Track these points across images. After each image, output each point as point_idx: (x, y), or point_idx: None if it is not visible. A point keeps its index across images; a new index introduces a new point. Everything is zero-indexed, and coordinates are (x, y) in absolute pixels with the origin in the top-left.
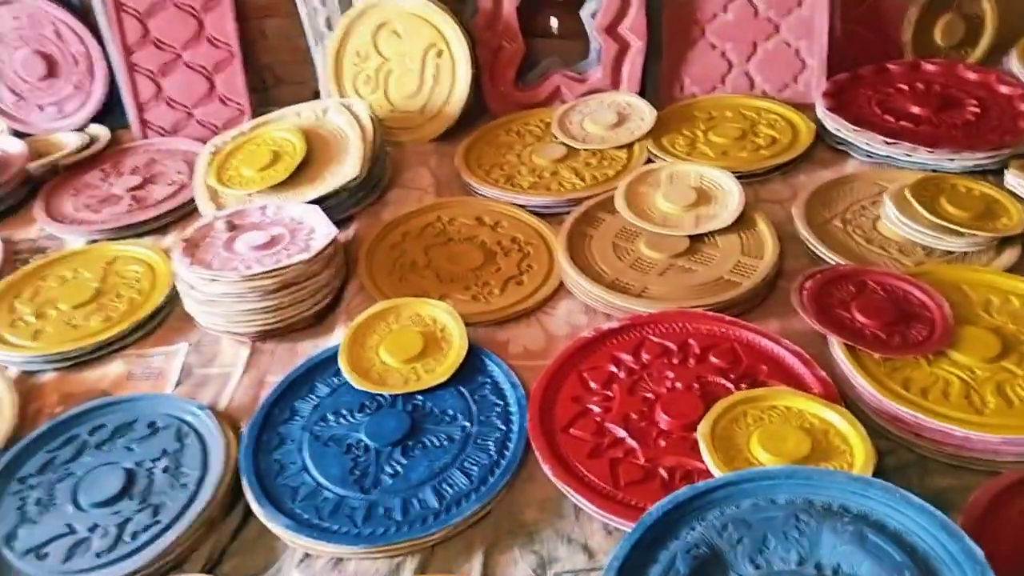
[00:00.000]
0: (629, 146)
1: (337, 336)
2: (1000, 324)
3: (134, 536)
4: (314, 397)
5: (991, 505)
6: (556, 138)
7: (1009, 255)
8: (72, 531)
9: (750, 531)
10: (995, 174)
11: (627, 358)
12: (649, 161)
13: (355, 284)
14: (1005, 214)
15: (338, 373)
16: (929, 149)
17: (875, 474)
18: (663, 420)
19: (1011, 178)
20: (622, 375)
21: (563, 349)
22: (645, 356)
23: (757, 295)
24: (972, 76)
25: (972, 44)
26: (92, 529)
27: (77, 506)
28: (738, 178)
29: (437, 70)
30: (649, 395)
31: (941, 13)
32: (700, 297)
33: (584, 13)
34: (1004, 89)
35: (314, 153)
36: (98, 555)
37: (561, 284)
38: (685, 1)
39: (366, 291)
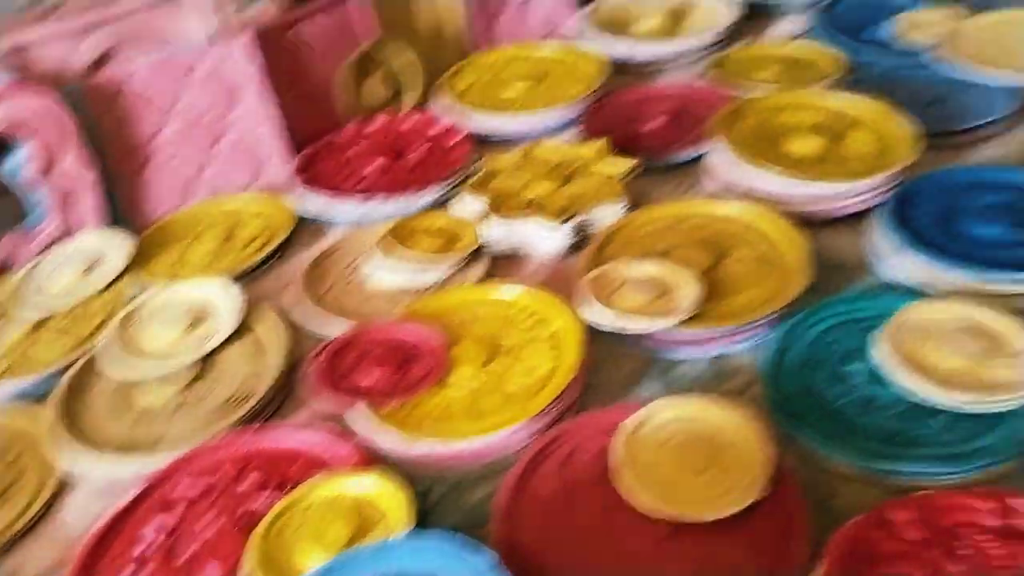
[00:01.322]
0: (109, 288)
1: None
2: (482, 334)
3: None
4: None
5: (513, 496)
6: (17, 311)
7: (476, 269)
8: None
9: None
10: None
11: (152, 529)
12: (135, 297)
13: None
14: (463, 236)
15: None
16: (389, 197)
17: (422, 518)
18: (213, 574)
19: (456, 205)
20: (152, 550)
21: (76, 556)
22: (171, 518)
23: (278, 396)
24: (409, 123)
25: (402, 93)
26: None
27: None
28: (233, 282)
29: None
30: (190, 554)
31: (369, 74)
32: (219, 422)
33: (5, 170)
34: (436, 127)
35: None
36: None
37: (65, 477)
38: (121, 123)
39: None
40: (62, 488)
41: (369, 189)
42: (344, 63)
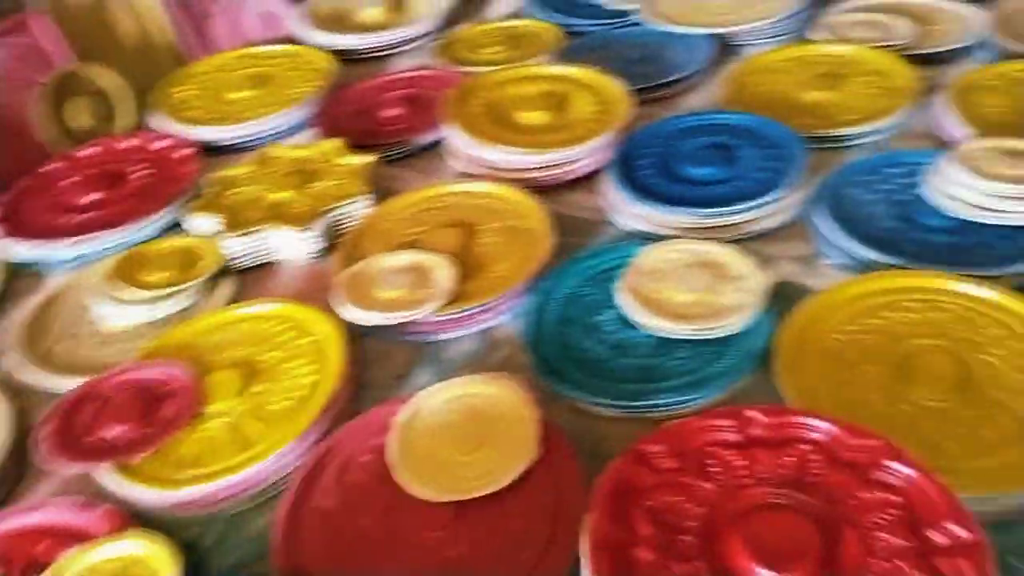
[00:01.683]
0: None
1: None
2: (236, 357)
3: None
4: None
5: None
6: None
7: (224, 289)
8: None
9: None
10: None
11: None
12: None
13: None
14: (204, 256)
15: None
16: (110, 229)
17: (197, 565)
18: None
19: (191, 223)
20: None
21: None
22: None
23: (14, 468)
24: (127, 144)
25: (112, 116)
26: None
27: None
28: None
29: None
30: None
31: (67, 98)
32: None
33: None
34: (158, 145)
35: None
36: None
37: None
38: None
39: None
40: None
41: (88, 223)
42: (37, 90)
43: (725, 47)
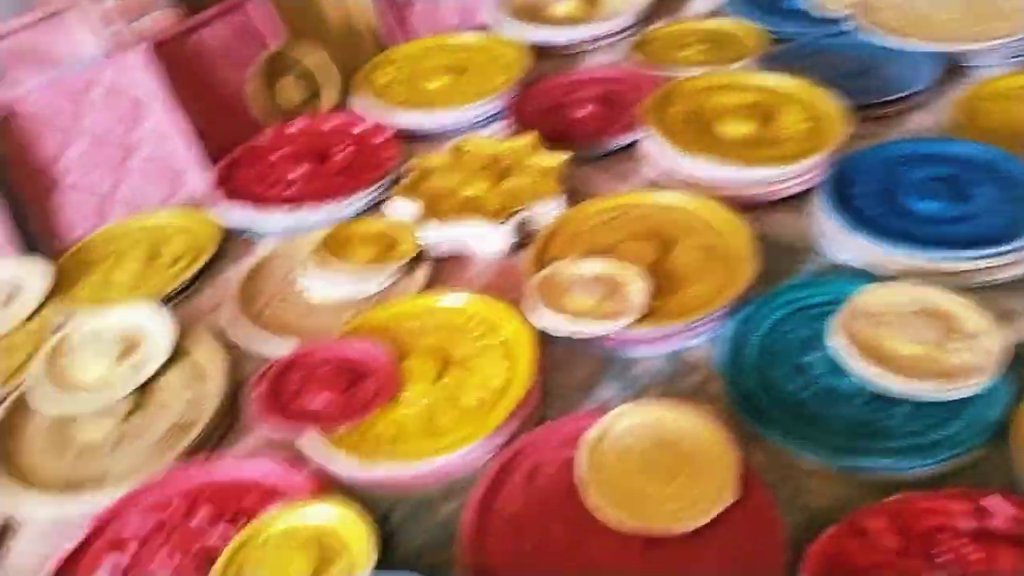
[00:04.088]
0: (32, 317)
1: None
2: (431, 345)
3: None
4: None
5: (478, 516)
6: None
7: (420, 275)
8: None
9: None
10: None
11: (107, 567)
12: (60, 326)
13: None
14: (401, 240)
15: None
16: (319, 204)
17: (385, 542)
18: None
19: (392, 206)
20: None
21: None
22: (124, 557)
23: (223, 420)
24: (331, 125)
25: (318, 95)
26: None
27: None
28: (163, 303)
29: None
30: None
31: (281, 77)
32: (166, 452)
33: None
34: (360, 128)
35: None
36: None
37: (8, 521)
38: (20, 148)
39: None
40: (4, 531)
41: (296, 196)
42: (252, 67)
43: (952, 67)
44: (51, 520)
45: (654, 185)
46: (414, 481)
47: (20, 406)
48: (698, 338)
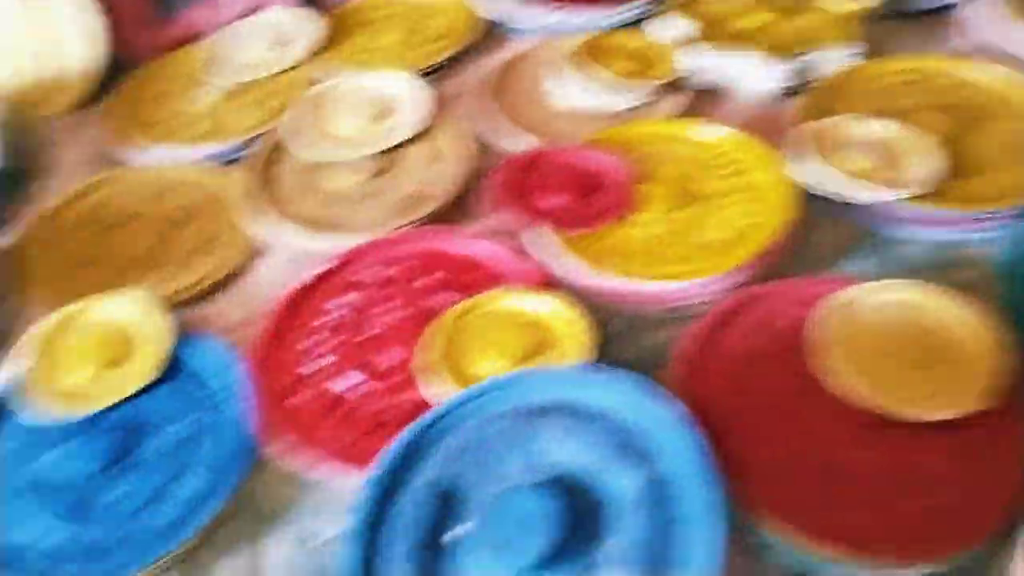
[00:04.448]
0: (297, 67)
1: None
2: (673, 175)
3: None
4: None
5: (699, 348)
6: (212, 77)
7: (672, 101)
8: None
9: (478, 453)
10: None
11: (340, 302)
12: (322, 79)
13: (24, 298)
14: (660, 61)
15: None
16: (589, 7)
17: (599, 346)
18: (390, 357)
19: (656, 25)
20: (338, 322)
21: (270, 313)
22: (358, 295)
23: (459, 200)
24: None
25: None
26: None
27: None
28: (419, 77)
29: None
30: (371, 335)
31: None
32: (403, 216)
33: None
34: None
35: None
36: None
37: (257, 240)
38: None
39: (39, 303)
40: (253, 252)
41: None
42: None
43: None
44: (295, 250)
45: (962, 56)
46: (634, 299)
47: (279, 145)
48: (983, 232)
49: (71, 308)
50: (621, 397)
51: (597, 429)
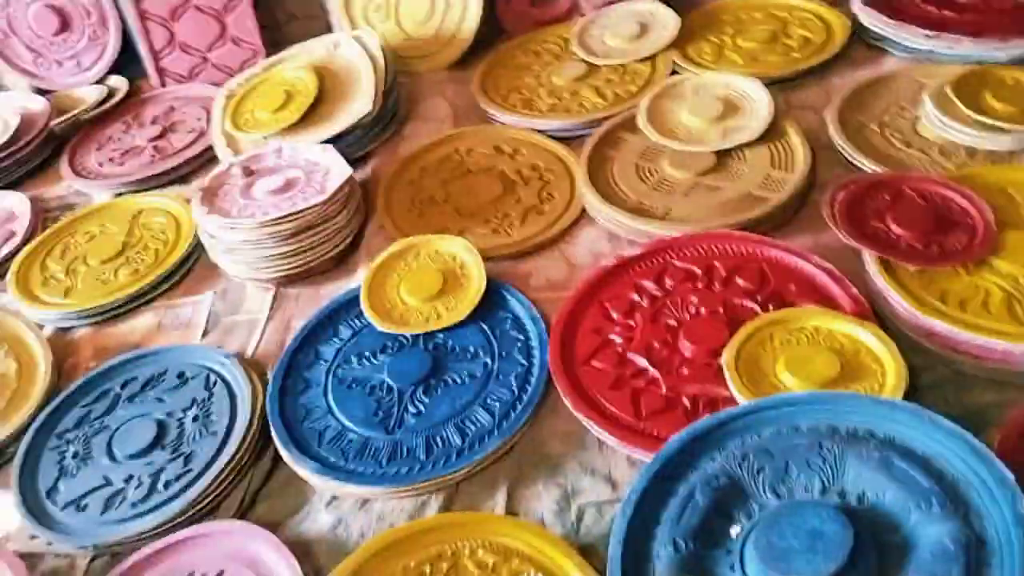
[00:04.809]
0: (652, 58)
1: (359, 278)
2: None
3: (167, 485)
4: (337, 340)
5: None
6: (575, 55)
7: None
8: (108, 483)
9: (772, 460)
10: None
11: (650, 285)
12: (674, 73)
13: (374, 223)
14: None
15: (360, 315)
16: (973, 39)
17: (909, 392)
18: (687, 347)
19: None
20: (645, 303)
21: (584, 280)
22: (668, 282)
23: (788, 210)
24: None
25: None
26: (127, 480)
27: (112, 458)
28: (768, 84)
29: None
30: (672, 322)
31: None
32: (727, 216)
33: None
34: None
35: (328, 90)
36: (134, 505)
37: (583, 211)
38: None
39: (386, 230)
40: (578, 221)
41: (943, 23)
42: None
43: None
44: (613, 226)
45: None
46: (963, 350)
47: (621, 127)
48: None
49: (411, 240)
50: (946, 445)
51: (915, 470)
